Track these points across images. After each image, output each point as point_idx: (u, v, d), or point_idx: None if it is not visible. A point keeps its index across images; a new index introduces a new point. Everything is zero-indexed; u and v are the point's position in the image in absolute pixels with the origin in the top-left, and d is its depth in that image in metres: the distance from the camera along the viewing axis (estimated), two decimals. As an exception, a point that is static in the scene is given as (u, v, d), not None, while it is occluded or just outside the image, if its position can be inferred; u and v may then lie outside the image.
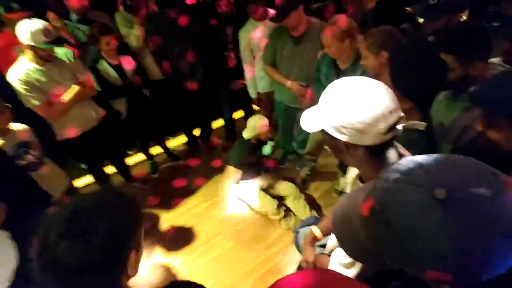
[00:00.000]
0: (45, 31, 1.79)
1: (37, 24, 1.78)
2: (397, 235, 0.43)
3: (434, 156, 0.47)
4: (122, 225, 0.64)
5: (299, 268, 1.43)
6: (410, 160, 0.48)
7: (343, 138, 0.71)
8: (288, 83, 2.29)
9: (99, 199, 0.66)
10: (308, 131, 0.80)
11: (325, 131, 0.75)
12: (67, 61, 2.05)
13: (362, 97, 0.68)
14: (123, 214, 0.66)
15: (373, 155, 0.73)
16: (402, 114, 0.70)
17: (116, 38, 2.29)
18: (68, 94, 2.00)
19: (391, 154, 0.75)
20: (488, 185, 0.41)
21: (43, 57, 1.88)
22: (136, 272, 0.69)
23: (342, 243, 0.58)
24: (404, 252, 0.43)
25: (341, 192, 2.48)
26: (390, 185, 0.46)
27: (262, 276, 2.08)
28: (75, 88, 2.02)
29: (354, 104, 0.68)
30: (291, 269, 2.08)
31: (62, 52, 2.05)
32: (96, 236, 0.58)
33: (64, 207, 0.64)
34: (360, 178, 0.84)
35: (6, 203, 1.42)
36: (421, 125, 0.81)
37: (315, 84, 2.11)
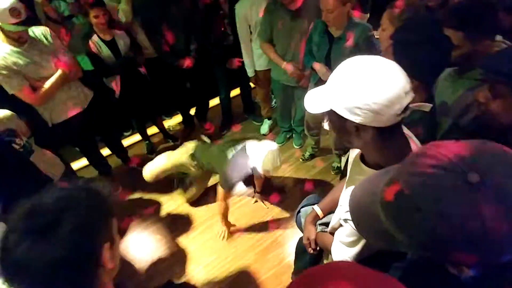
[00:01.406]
0: (12, 11, 1.63)
1: (3, 3, 1.62)
2: (428, 219, 0.44)
3: (464, 141, 0.47)
4: (88, 218, 0.59)
5: (299, 243, 1.48)
6: (438, 144, 0.48)
7: (355, 119, 0.69)
8: (283, 64, 2.24)
9: (60, 194, 0.61)
10: (313, 112, 0.77)
11: (332, 112, 0.73)
12: (45, 41, 1.90)
13: (379, 77, 0.66)
14: (89, 206, 0.61)
15: (383, 136, 0.72)
16: (413, 95, 0.69)
17: (106, 12, 2.18)
18: (52, 79, 1.90)
19: (399, 135, 0.75)
20: None
21: (15, 38, 1.75)
22: (115, 266, 0.65)
23: (359, 227, 0.58)
24: (433, 235, 0.44)
25: (338, 169, 2.53)
26: (419, 169, 0.46)
27: (262, 251, 2.16)
28: (58, 72, 1.92)
29: (371, 84, 0.66)
30: (290, 244, 2.16)
31: (38, 32, 1.90)
32: (59, 231, 0.54)
33: (21, 206, 0.58)
34: (362, 159, 0.84)
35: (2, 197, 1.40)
36: (426, 106, 0.81)
37: (307, 57, 2.06)
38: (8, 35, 1.73)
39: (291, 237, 2.22)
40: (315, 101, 0.77)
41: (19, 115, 1.78)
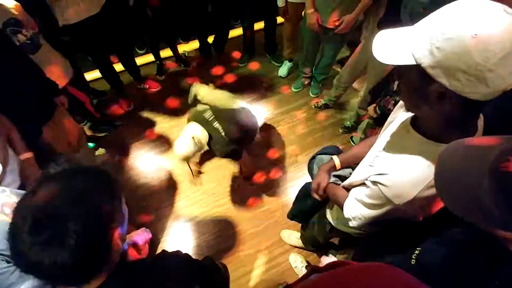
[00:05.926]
0: None
1: None
2: None
3: None
4: (97, 213, 0.56)
5: (305, 187, 1.53)
6: None
7: (449, 84, 0.52)
8: (309, 10, 2.06)
9: (63, 190, 0.56)
10: (387, 63, 0.58)
11: (417, 68, 0.55)
12: None
13: (505, 31, 0.46)
14: (96, 199, 0.57)
15: (466, 110, 0.57)
16: None
17: None
18: None
19: (479, 112, 0.62)
20: None
21: None
22: (123, 242, 0.64)
23: (443, 188, 0.51)
24: None
25: (347, 128, 2.50)
26: None
27: (261, 187, 2.26)
28: None
29: (494, 42, 0.47)
30: (287, 186, 2.27)
31: None
32: (67, 241, 0.52)
33: (23, 212, 0.54)
34: (413, 125, 0.73)
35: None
36: None
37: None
38: None
39: (289, 180, 2.30)
40: (393, 47, 0.58)
41: (32, 12, 1.64)
